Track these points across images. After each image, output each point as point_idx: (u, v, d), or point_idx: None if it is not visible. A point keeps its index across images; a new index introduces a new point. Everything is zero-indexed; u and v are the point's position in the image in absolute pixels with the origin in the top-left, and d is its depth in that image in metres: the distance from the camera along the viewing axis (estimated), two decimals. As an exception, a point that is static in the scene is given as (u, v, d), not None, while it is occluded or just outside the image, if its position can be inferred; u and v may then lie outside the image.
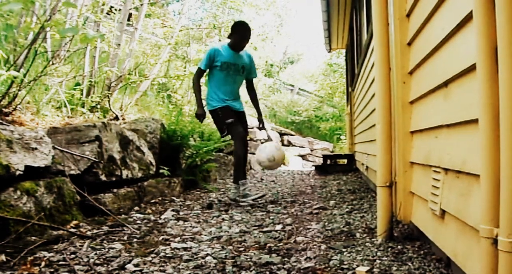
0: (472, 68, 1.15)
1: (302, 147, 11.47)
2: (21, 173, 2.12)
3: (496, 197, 0.93)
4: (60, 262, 1.73)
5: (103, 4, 4.27)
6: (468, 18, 1.22)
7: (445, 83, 1.52)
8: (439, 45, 1.57)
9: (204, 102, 3.56)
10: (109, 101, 4.02)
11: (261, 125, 3.72)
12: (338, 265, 1.70)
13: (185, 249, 2.01)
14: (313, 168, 7.05)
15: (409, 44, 2.08)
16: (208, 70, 3.47)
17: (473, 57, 1.09)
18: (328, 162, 6.92)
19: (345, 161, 6.87)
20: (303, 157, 11.28)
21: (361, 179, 5.12)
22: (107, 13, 5.59)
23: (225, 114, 3.42)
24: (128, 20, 5.03)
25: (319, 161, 7.72)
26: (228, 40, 3.53)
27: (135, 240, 2.19)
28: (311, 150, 11.78)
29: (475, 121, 1.08)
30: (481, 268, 1.00)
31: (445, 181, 1.54)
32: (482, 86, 0.98)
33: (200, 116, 3.46)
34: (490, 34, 0.98)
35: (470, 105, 1.22)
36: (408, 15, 2.08)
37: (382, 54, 2.07)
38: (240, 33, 3.40)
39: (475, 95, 1.06)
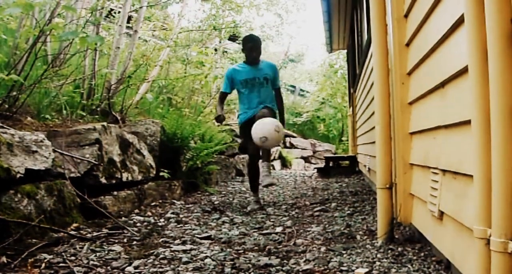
0: (466, 69, 1.15)
1: (304, 149, 11.42)
2: (22, 175, 2.12)
3: (488, 198, 0.93)
4: (60, 264, 1.74)
5: (102, 8, 4.27)
6: (461, 20, 1.22)
7: (442, 84, 1.52)
8: (436, 45, 1.57)
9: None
10: (109, 104, 4.02)
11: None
12: (337, 267, 1.70)
13: (184, 251, 2.01)
14: (316, 170, 7.02)
15: (407, 45, 2.08)
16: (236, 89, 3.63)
17: (466, 59, 1.09)
18: (331, 164, 6.87)
19: (348, 162, 6.83)
20: (305, 159, 11.22)
21: (364, 181, 5.10)
22: (106, 16, 5.61)
23: (242, 133, 3.60)
24: (128, 22, 5.03)
25: (322, 163, 7.68)
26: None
27: (134, 242, 2.19)
28: (314, 152, 11.72)
29: (470, 122, 1.08)
30: (476, 269, 0.99)
31: (443, 182, 1.53)
32: (473, 88, 0.98)
33: (218, 117, 3.59)
34: (481, 37, 0.98)
35: (465, 106, 1.22)
36: (406, 16, 2.08)
37: (381, 55, 2.07)
38: (247, 48, 3.50)
39: (469, 96, 1.05)
